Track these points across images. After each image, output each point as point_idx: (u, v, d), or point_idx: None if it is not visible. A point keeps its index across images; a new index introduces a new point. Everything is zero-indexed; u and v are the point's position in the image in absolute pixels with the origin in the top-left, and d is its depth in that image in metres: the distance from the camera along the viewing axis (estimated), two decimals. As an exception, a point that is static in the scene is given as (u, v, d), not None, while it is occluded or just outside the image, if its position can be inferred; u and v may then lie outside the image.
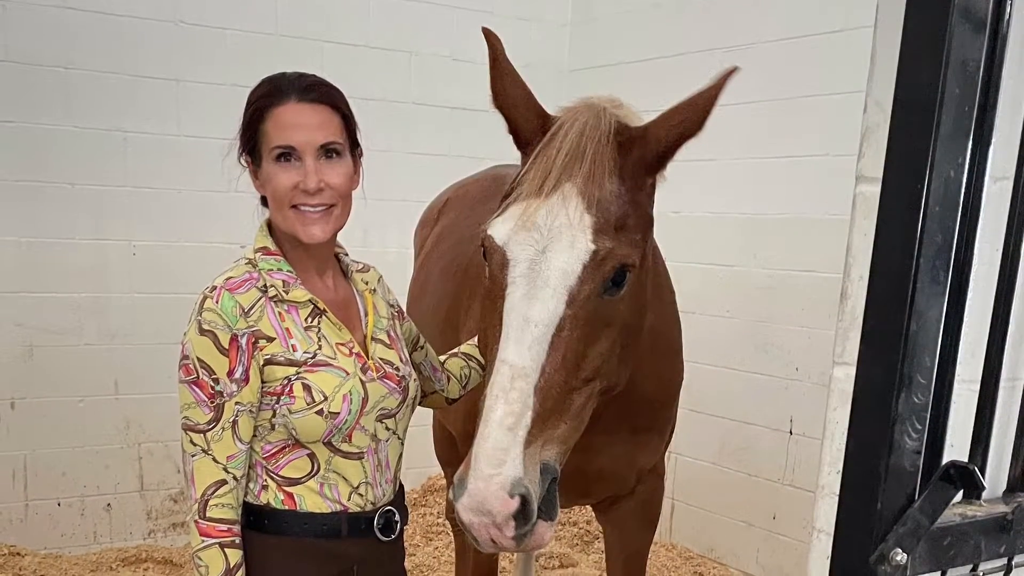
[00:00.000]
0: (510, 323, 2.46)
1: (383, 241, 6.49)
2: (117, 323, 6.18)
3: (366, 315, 2.78)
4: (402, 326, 2.97)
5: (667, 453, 3.88)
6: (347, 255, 2.86)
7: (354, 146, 2.68)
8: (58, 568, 5.82)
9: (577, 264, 2.45)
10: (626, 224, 2.55)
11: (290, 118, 2.54)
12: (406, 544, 3.04)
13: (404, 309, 3.07)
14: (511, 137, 2.79)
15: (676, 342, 3.53)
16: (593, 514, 5.43)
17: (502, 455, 2.34)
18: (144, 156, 6.10)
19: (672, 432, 3.75)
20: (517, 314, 2.46)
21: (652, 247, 2.97)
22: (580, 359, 2.50)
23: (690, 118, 2.57)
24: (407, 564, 3.02)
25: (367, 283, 2.85)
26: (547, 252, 2.47)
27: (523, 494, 2.34)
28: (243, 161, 2.67)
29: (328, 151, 2.57)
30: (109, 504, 6.33)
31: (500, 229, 2.57)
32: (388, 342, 2.78)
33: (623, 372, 2.79)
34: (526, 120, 2.73)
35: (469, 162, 5.58)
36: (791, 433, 5.96)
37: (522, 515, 2.35)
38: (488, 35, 2.78)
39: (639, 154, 2.59)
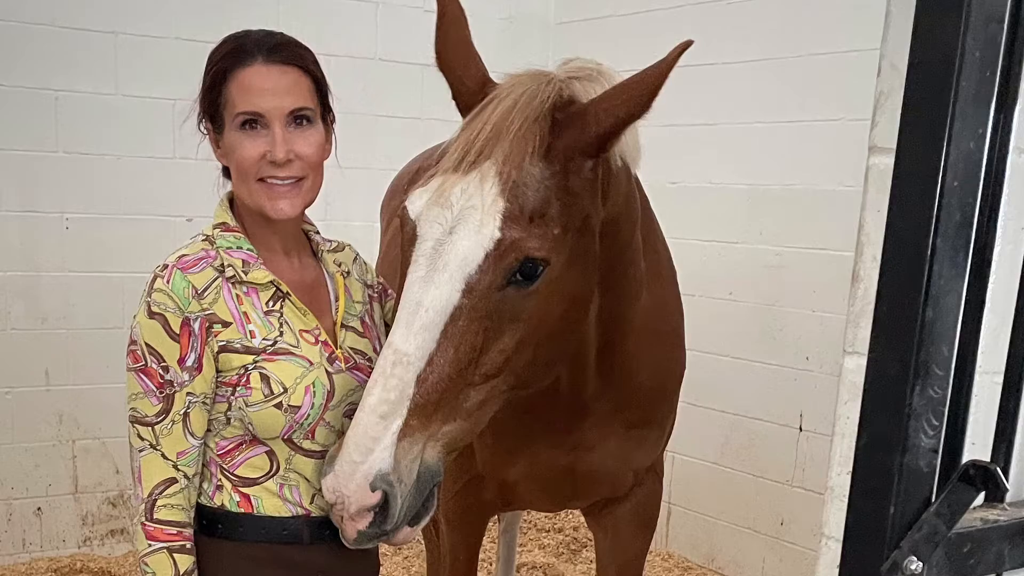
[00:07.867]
0: (404, 305, 2.51)
1: (347, 214, 6.43)
2: (48, 305, 6.14)
3: (337, 300, 2.80)
4: (385, 306, 2.99)
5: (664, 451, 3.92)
6: (318, 233, 2.88)
7: (326, 112, 2.70)
8: (-17, 580, 5.84)
9: (479, 251, 2.47)
10: (546, 213, 2.54)
11: (256, 81, 2.55)
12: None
13: (387, 287, 3.07)
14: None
15: (676, 327, 3.57)
16: (581, 519, 5.46)
17: (370, 444, 2.42)
18: (78, 118, 6.06)
19: (672, 427, 3.77)
20: (411, 296, 2.50)
21: (642, 222, 3.02)
22: (477, 353, 2.52)
23: (635, 98, 2.53)
24: (375, 575, 3.05)
25: (340, 264, 2.87)
26: (453, 234, 2.49)
27: (386, 491, 2.42)
28: (203, 128, 2.68)
29: (298, 118, 2.58)
30: (39, 508, 6.32)
31: (416, 202, 2.59)
32: (361, 330, 2.81)
33: (544, 371, 2.82)
34: (465, 86, 2.76)
35: (442, 125, 5.51)
36: (801, 429, 6.01)
37: (381, 513, 2.45)
38: None
39: (575, 135, 2.57)
